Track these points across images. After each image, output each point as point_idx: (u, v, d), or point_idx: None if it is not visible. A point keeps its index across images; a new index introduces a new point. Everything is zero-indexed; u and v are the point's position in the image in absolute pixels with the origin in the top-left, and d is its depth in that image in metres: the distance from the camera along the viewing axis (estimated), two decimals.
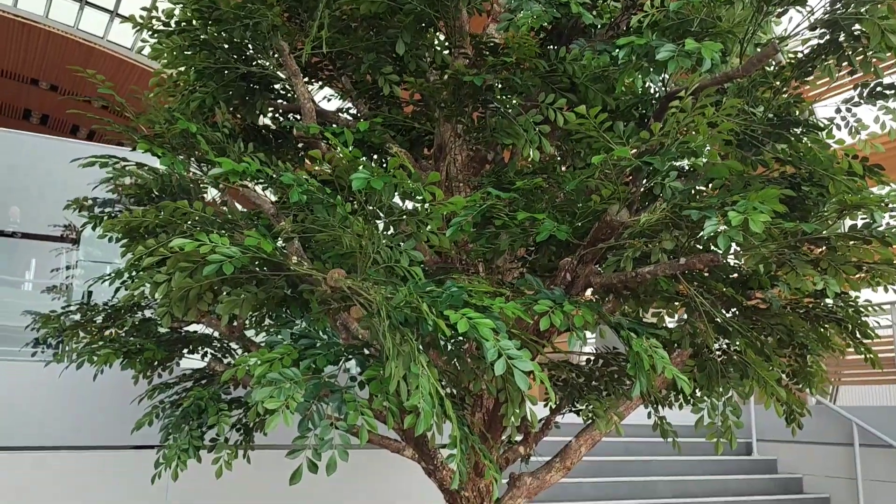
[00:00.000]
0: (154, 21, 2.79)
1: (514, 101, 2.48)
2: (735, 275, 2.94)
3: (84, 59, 16.32)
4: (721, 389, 2.48)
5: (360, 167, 1.84)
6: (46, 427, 3.72)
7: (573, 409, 3.37)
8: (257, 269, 2.17)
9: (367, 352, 2.17)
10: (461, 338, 2.22)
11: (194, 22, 2.58)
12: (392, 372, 1.67)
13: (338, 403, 1.94)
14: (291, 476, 1.90)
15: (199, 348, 3.48)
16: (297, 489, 4.11)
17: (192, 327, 3.62)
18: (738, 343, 2.52)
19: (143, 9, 3.05)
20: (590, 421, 2.97)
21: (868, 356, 3.15)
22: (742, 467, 8.05)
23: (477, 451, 2.11)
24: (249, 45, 2.77)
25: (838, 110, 2.61)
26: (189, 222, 2.16)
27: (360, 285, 1.81)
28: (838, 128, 2.61)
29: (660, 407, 2.89)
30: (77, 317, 3.42)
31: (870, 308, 3.04)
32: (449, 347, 2.29)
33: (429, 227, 1.98)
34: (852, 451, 7.47)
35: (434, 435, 2.60)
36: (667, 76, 2.36)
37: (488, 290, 1.89)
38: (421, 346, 2.16)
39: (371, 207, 1.99)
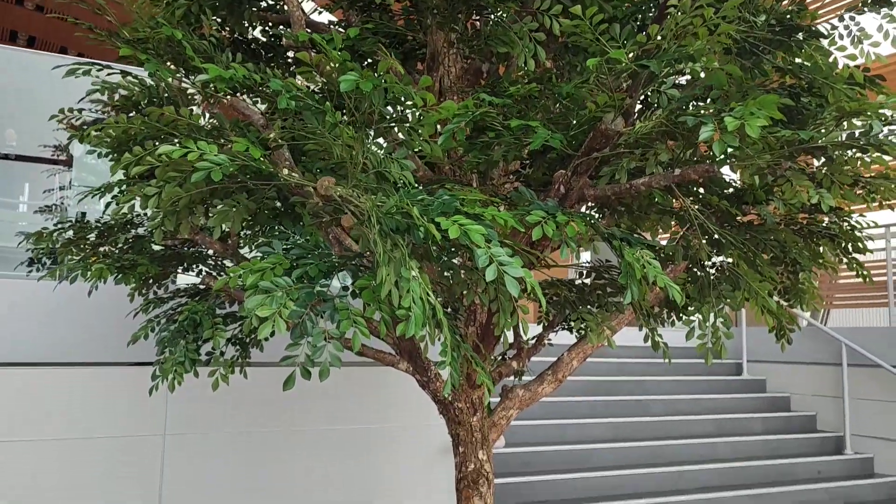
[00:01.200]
0: None
1: (509, 7, 2.40)
2: (730, 190, 2.92)
3: None
4: (712, 301, 2.49)
5: (351, 68, 1.79)
6: (43, 344, 3.76)
7: (566, 325, 3.41)
8: (247, 179, 2.15)
9: (359, 263, 2.17)
10: (453, 249, 2.22)
11: None
12: (383, 278, 1.67)
13: (330, 312, 1.95)
14: (285, 382, 1.92)
15: (194, 266, 3.48)
16: (295, 405, 4.20)
17: (188, 248, 3.61)
18: (730, 256, 2.52)
19: None
20: (582, 335, 3.00)
21: (861, 272, 3.17)
22: (732, 387, 8.22)
23: (469, 360, 2.13)
24: None
25: (841, 18, 2.54)
26: (177, 130, 2.11)
27: (351, 193, 1.79)
28: (841, 37, 2.54)
29: (652, 321, 2.91)
30: (70, 234, 3.41)
31: (863, 223, 3.03)
32: (442, 259, 2.29)
33: (420, 134, 1.95)
34: (840, 371, 7.62)
35: (427, 346, 2.63)
36: None
37: (481, 199, 1.87)
38: (412, 255, 2.16)
39: (362, 113, 1.95)
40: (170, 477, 3.90)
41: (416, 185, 2.85)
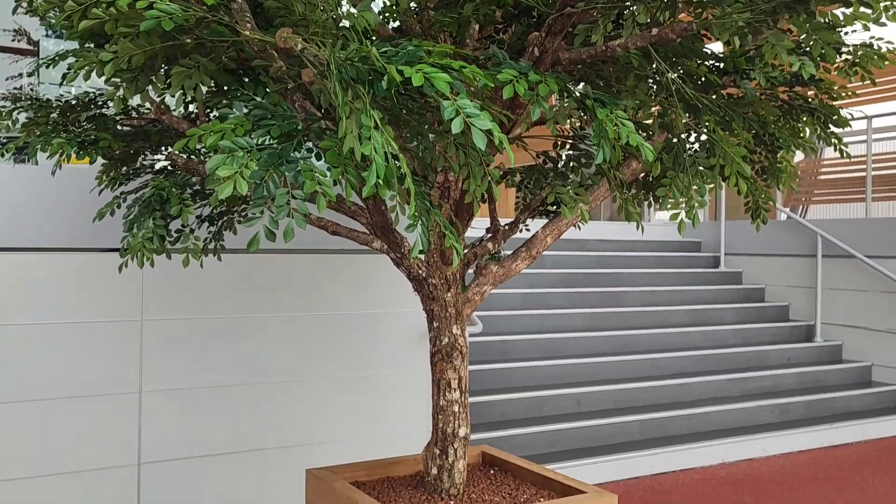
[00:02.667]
0: None
1: None
2: (710, 61, 2.84)
3: None
4: (688, 168, 2.45)
5: None
6: (10, 228, 3.69)
7: (542, 209, 3.38)
8: (204, 36, 2.04)
9: (324, 125, 2.10)
10: (422, 110, 2.14)
11: None
12: (345, 132, 1.61)
13: (293, 174, 1.89)
14: (249, 243, 1.89)
15: (162, 147, 3.39)
16: (272, 292, 4.21)
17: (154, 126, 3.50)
18: (707, 121, 2.47)
19: None
20: (556, 211, 2.98)
21: (838, 146, 3.14)
22: (709, 279, 8.34)
23: (438, 226, 2.10)
24: None
25: None
26: None
27: (310, 45, 1.71)
28: None
29: (627, 196, 2.88)
30: (30, 113, 3.29)
31: (843, 94, 2.98)
32: (412, 123, 2.22)
33: None
34: (815, 263, 7.73)
35: (398, 217, 2.59)
36: None
37: (448, 51, 1.79)
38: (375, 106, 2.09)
39: None
40: (148, 363, 3.92)
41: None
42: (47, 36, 5.81)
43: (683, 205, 2.54)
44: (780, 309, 7.95)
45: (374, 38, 2.44)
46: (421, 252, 1.91)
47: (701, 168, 2.41)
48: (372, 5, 2.25)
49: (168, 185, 2.79)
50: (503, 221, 3.13)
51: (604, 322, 7.00)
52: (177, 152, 3.26)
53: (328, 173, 1.90)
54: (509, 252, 3.05)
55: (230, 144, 1.86)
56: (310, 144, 2.04)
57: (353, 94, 1.62)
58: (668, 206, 2.51)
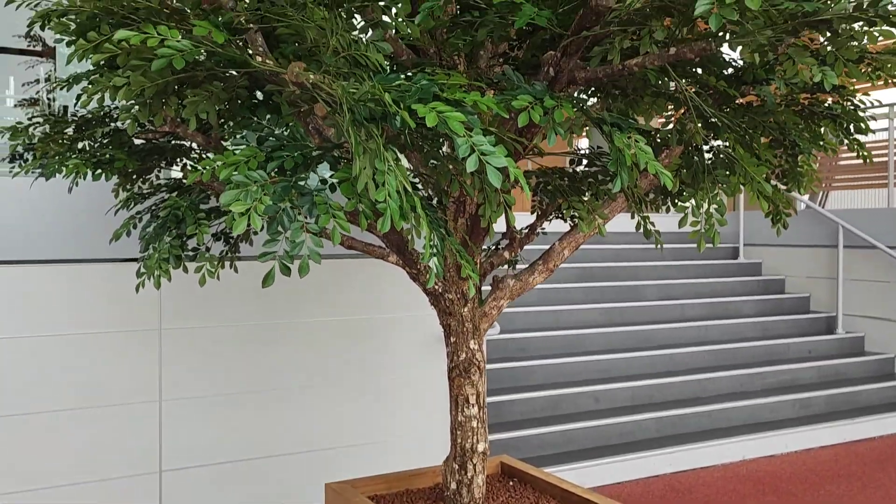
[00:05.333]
0: None
1: None
2: (729, 70, 2.79)
3: None
4: (707, 185, 2.42)
5: None
6: (30, 241, 3.71)
7: (559, 214, 3.35)
8: (216, 67, 2.03)
9: (339, 154, 2.08)
10: (437, 138, 2.12)
11: None
12: (359, 170, 1.59)
13: (308, 206, 1.88)
14: (264, 279, 1.88)
15: (177, 160, 3.39)
16: (288, 298, 4.21)
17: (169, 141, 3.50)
18: (726, 138, 2.42)
19: None
20: (574, 224, 2.95)
21: (861, 153, 3.08)
22: (728, 271, 8.27)
23: (454, 252, 2.08)
24: None
25: None
26: (135, 14, 1.97)
27: (322, 79, 1.68)
28: None
29: (644, 208, 2.85)
30: (46, 128, 3.30)
31: (867, 102, 2.92)
32: (425, 149, 2.20)
33: (395, 12, 1.82)
34: (835, 253, 7.64)
35: (413, 239, 2.58)
36: None
37: (462, 83, 1.76)
38: (392, 147, 2.07)
39: None
40: (168, 371, 3.95)
41: (395, 69, 2.72)
42: (56, 42, 5.80)
43: (703, 220, 2.51)
44: (801, 300, 7.87)
45: (389, 60, 2.42)
46: (442, 280, 1.90)
47: (721, 186, 2.37)
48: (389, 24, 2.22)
49: (183, 204, 2.79)
50: (518, 223, 3.10)
51: (621, 317, 6.96)
52: (189, 169, 3.26)
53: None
54: (524, 265, 3.03)
55: (243, 179, 1.85)
56: (324, 175, 2.03)
57: (366, 133, 1.61)
58: (688, 223, 2.47)
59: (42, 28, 2.63)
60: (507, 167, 1.65)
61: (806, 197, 9.06)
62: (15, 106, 5.88)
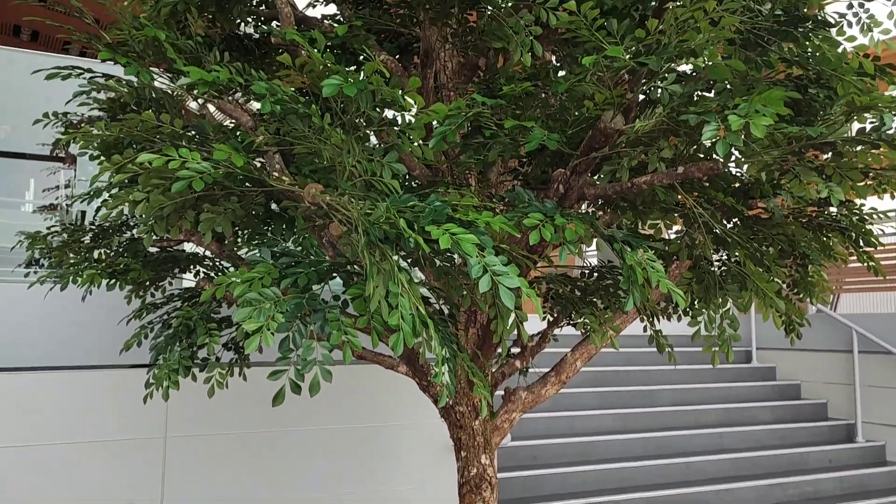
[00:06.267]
0: None
1: (505, 2, 2.31)
2: (736, 184, 2.83)
3: None
4: (719, 301, 2.41)
5: (334, 72, 1.72)
6: (42, 347, 3.71)
7: (570, 321, 3.33)
8: (235, 184, 2.08)
9: (351, 269, 2.10)
10: (448, 253, 2.14)
11: None
12: (371, 291, 1.60)
13: (320, 323, 1.88)
14: (274, 397, 1.86)
15: (191, 267, 3.42)
16: (296, 404, 4.15)
17: (186, 246, 3.55)
18: (737, 254, 2.44)
19: None
20: (586, 334, 2.93)
21: (871, 265, 3.08)
22: (741, 375, 8.14)
23: (466, 369, 2.06)
24: None
25: (850, 6, 2.44)
26: (158, 137, 2.05)
27: (338, 201, 1.72)
28: (850, 25, 2.45)
29: (656, 319, 2.84)
30: (64, 237, 3.35)
31: (875, 216, 2.94)
32: (438, 263, 2.22)
33: (410, 137, 1.87)
34: (851, 358, 7.53)
35: (424, 352, 2.56)
36: None
37: (475, 204, 1.79)
38: (405, 263, 2.09)
39: (349, 117, 1.87)
40: (171, 479, 3.86)
41: (413, 184, 2.78)
42: (79, 155, 5.98)
43: (715, 334, 2.49)
44: (818, 407, 7.69)
45: (406, 176, 2.47)
46: (453, 399, 1.87)
47: (734, 301, 2.37)
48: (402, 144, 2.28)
49: (195, 314, 2.80)
50: (529, 325, 3.07)
51: (635, 423, 6.81)
52: (201, 276, 3.29)
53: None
54: (535, 368, 3.00)
55: (257, 296, 1.86)
56: (336, 290, 2.04)
57: (380, 254, 1.62)
58: (700, 337, 2.45)
59: (66, 147, 2.72)
60: (521, 287, 1.66)
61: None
62: (34, 212, 6.01)
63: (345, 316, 2.00)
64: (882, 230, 3.11)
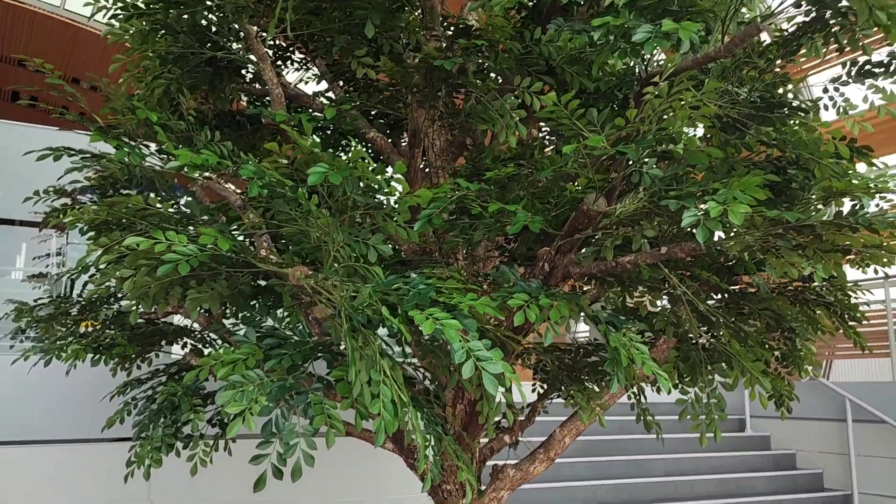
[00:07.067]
0: (115, 3, 2.67)
1: (489, 85, 2.38)
2: (721, 259, 2.86)
3: (71, 40, 16.08)
4: (705, 381, 2.41)
5: (321, 159, 1.75)
6: (24, 420, 3.66)
7: (559, 394, 3.31)
8: (222, 264, 2.09)
9: (336, 349, 2.09)
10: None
11: (153, 5, 2.47)
12: (354, 378, 1.60)
13: (304, 406, 1.87)
14: (255, 483, 1.83)
15: (178, 340, 3.40)
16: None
17: (175, 317, 3.54)
18: (722, 333, 2.44)
19: None
20: (574, 411, 2.91)
21: (857, 340, 3.09)
22: (735, 444, 8.04)
23: (451, 454, 2.04)
24: (215, 28, 2.65)
25: (825, 90, 2.51)
26: (146, 218, 2.07)
27: (323, 284, 1.73)
28: (825, 108, 2.51)
29: (643, 396, 2.82)
30: (51, 309, 3.34)
31: (859, 291, 2.97)
32: (423, 341, 2.22)
33: (395, 220, 1.90)
34: (845, 427, 7.46)
35: (409, 432, 2.54)
36: (647, 56, 2.25)
37: (458, 288, 1.80)
38: (391, 342, 2.09)
39: (336, 200, 1.90)
40: None
41: (403, 257, 2.79)
42: (70, 230, 6.00)
43: (703, 413, 2.48)
44: (814, 477, 7.58)
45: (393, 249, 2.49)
46: (439, 480, 1.85)
47: (719, 378, 2.37)
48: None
49: (179, 390, 2.77)
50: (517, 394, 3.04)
51: (629, 494, 6.68)
52: (188, 351, 3.27)
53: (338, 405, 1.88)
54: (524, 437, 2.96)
55: (240, 379, 1.85)
56: (322, 368, 2.03)
57: (363, 339, 1.63)
58: (688, 416, 2.44)
59: (53, 226, 2.74)
60: (504, 372, 1.66)
61: (810, 367, 8.97)
62: (23, 280, 6.00)
63: (329, 396, 1.99)
64: (868, 303, 3.13)
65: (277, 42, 3.27)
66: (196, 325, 3.41)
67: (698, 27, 1.77)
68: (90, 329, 3.22)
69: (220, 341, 3.38)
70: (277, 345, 2.02)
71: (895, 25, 2.02)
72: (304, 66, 3.40)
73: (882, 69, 2.37)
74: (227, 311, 3.09)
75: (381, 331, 1.80)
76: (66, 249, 6.05)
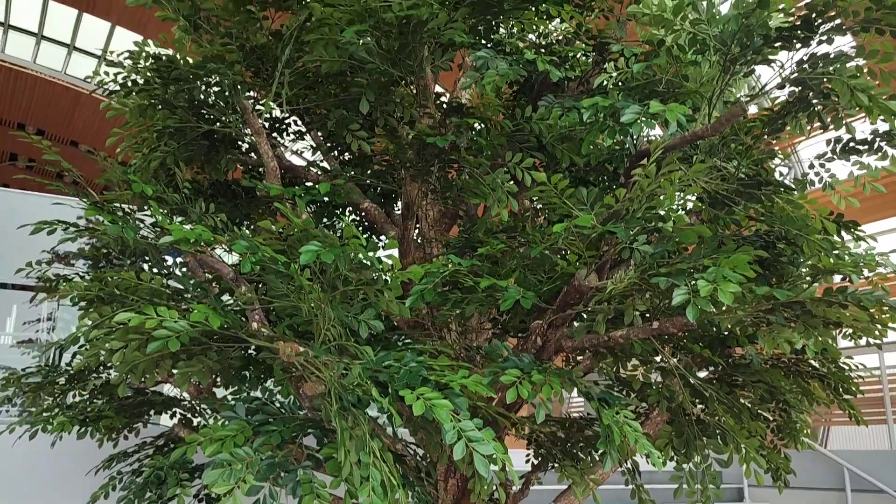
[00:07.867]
0: (113, 79, 2.73)
1: (481, 161, 2.42)
2: (714, 330, 2.86)
3: (72, 104, 16.34)
4: (700, 458, 2.38)
5: (313, 235, 1.76)
6: (7, 496, 3.57)
7: (552, 466, 3.26)
8: (212, 338, 2.08)
9: (326, 425, 2.07)
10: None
11: (152, 82, 2.52)
12: (343, 458, 1.58)
13: (292, 485, 1.83)
14: None
15: (166, 410, 3.35)
16: None
17: (165, 385, 3.50)
18: (714, 410, 2.43)
19: (109, 63, 2.98)
20: (567, 485, 2.86)
21: (852, 413, 3.07)
22: None
23: None
24: (212, 103, 2.71)
25: (811, 166, 2.56)
26: (137, 294, 2.07)
27: (313, 362, 1.72)
28: (811, 183, 2.56)
29: (637, 474, 2.78)
30: (38, 378, 3.30)
31: (852, 366, 2.96)
32: (414, 417, 2.19)
33: (387, 296, 1.90)
34: (844, 497, 7.34)
35: None
36: (634, 136, 2.30)
37: (450, 365, 1.80)
38: (380, 420, 2.06)
39: (327, 276, 1.91)
40: None
41: (397, 330, 2.78)
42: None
43: (698, 490, 2.44)
44: None
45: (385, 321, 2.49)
46: None
47: (714, 453, 2.34)
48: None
49: (166, 464, 2.72)
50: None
51: None
52: (177, 422, 3.23)
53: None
54: None
55: (228, 457, 1.82)
56: (310, 440, 2.00)
57: (352, 419, 1.61)
58: (682, 493, 2.40)
59: (42, 301, 2.73)
60: (496, 454, 1.64)
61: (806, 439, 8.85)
62: (11, 346, 5.94)
63: (320, 469, 1.96)
64: (863, 378, 3.12)
65: (273, 114, 3.33)
66: (185, 395, 3.37)
67: (685, 109, 1.81)
68: (77, 399, 3.18)
69: (209, 411, 3.33)
70: (266, 421, 2.00)
71: (876, 106, 2.07)
72: (300, 137, 3.45)
73: (866, 146, 2.42)
74: (217, 382, 3.06)
75: (374, 405, 1.79)
76: (56, 315, 6.01)
